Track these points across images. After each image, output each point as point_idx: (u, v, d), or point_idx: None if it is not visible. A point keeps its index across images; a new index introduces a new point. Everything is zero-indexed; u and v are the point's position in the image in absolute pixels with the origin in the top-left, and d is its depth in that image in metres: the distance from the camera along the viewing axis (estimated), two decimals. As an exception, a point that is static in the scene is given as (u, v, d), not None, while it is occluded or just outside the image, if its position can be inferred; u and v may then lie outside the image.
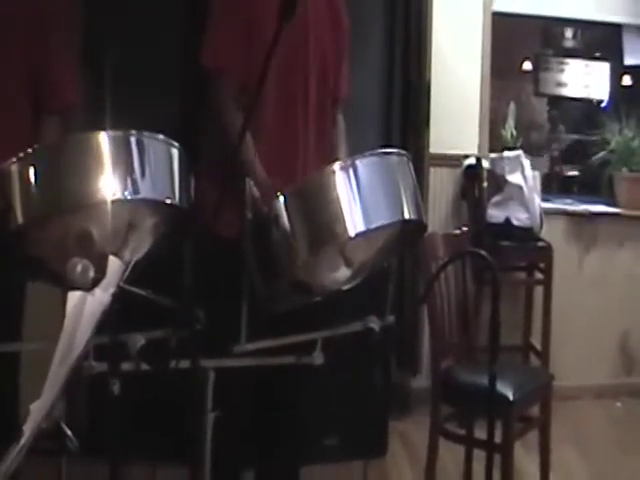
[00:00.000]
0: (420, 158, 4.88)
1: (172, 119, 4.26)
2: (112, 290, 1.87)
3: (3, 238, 1.91)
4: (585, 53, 6.52)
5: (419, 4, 4.96)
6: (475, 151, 5.42)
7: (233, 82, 3.04)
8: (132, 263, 2.01)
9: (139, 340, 2.05)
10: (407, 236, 2.47)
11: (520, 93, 6.55)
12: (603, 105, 6.53)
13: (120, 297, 1.91)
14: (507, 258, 5.18)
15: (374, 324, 2.45)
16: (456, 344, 4.03)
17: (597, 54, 6.54)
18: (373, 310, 2.49)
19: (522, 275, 5.67)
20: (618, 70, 6.44)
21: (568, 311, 5.53)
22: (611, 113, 6.27)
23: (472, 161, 5.29)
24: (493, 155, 5.44)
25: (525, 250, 5.37)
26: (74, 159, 1.94)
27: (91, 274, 1.84)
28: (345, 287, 2.46)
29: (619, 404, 5.61)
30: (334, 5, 3.27)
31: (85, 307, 1.82)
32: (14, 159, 1.91)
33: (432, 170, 5.22)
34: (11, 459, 1.67)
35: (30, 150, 1.93)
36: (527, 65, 6.63)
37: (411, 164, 2.41)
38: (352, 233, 2.19)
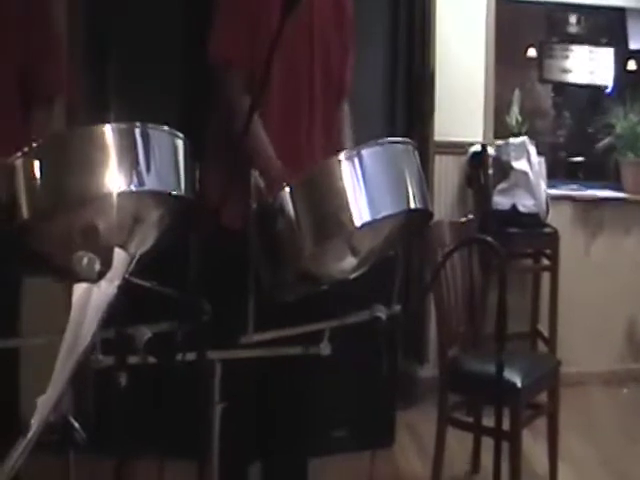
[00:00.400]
0: (425, 146, 4.88)
1: (175, 114, 4.26)
2: (117, 282, 1.87)
3: (8, 233, 1.90)
4: (589, 39, 6.49)
5: (423, -8, 4.96)
6: (480, 138, 5.42)
7: (241, 75, 3.04)
8: (138, 255, 2.01)
9: (145, 333, 2.04)
10: (413, 225, 2.46)
11: (525, 80, 6.53)
12: (608, 90, 6.51)
13: (126, 290, 1.91)
14: (513, 245, 5.19)
15: (381, 313, 2.44)
16: (463, 332, 4.03)
17: (601, 39, 6.52)
18: (380, 299, 2.49)
19: (529, 262, 5.67)
20: (623, 55, 6.42)
21: (575, 297, 5.53)
22: (616, 98, 6.26)
23: (477, 148, 5.29)
24: (498, 142, 5.44)
25: (531, 237, 5.37)
26: (79, 152, 1.93)
27: (97, 267, 1.84)
28: (351, 276, 2.45)
29: (626, 390, 5.61)
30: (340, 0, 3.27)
31: (91, 299, 1.82)
32: (19, 153, 1.90)
33: (437, 158, 5.22)
34: (18, 453, 1.67)
35: (35, 144, 1.92)
36: (531, 52, 6.60)
37: (416, 153, 2.40)
38: (358, 223, 2.18)
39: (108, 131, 1.96)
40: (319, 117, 3.20)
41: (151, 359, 2.06)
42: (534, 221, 5.29)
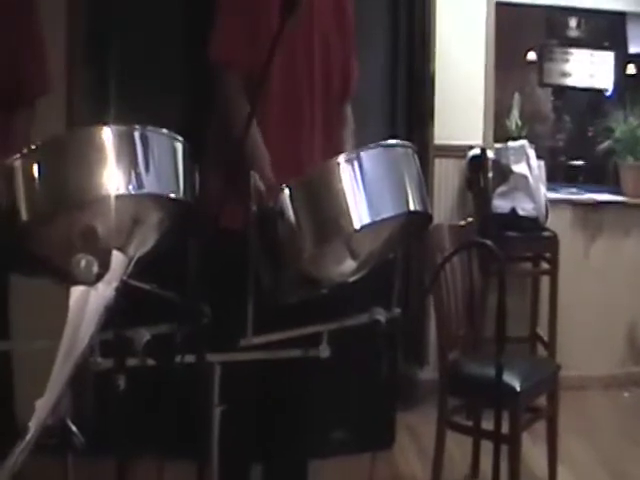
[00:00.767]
0: (425, 149, 4.87)
1: (175, 114, 4.26)
2: (115, 285, 1.87)
3: (7, 235, 1.90)
4: (589, 42, 6.49)
5: (423, -5, 4.96)
6: (480, 142, 5.41)
7: (241, 76, 3.04)
8: (136, 258, 2.01)
9: (144, 335, 2.04)
10: (413, 228, 2.46)
11: (524, 83, 6.52)
12: (608, 94, 6.50)
13: (125, 292, 1.91)
14: (513, 248, 5.18)
15: (380, 316, 2.44)
16: (463, 335, 4.03)
17: (601, 43, 6.51)
18: (379, 302, 2.49)
19: (528, 265, 5.67)
20: (623, 59, 6.41)
21: (575, 301, 5.52)
22: (616, 102, 6.26)
23: (477, 152, 5.28)
24: (498, 145, 5.44)
25: (531, 240, 5.37)
26: (78, 154, 1.93)
27: (95, 269, 1.83)
28: (351, 279, 2.45)
29: (626, 394, 5.60)
30: (340, 4, 3.27)
31: (88, 302, 1.82)
32: (18, 155, 1.90)
33: (437, 161, 5.22)
34: (16, 456, 1.67)
35: (34, 146, 1.92)
36: (531, 55, 6.60)
37: (416, 156, 2.40)
38: (358, 225, 2.19)
39: (107, 133, 1.96)
40: (319, 120, 3.20)
41: (150, 361, 2.06)
42: (533, 225, 5.29)
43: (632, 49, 6.29)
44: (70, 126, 4.32)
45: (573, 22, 6.55)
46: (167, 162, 2.05)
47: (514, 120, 5.80)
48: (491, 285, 4.46)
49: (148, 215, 2.05)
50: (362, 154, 2.25)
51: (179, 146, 2.09)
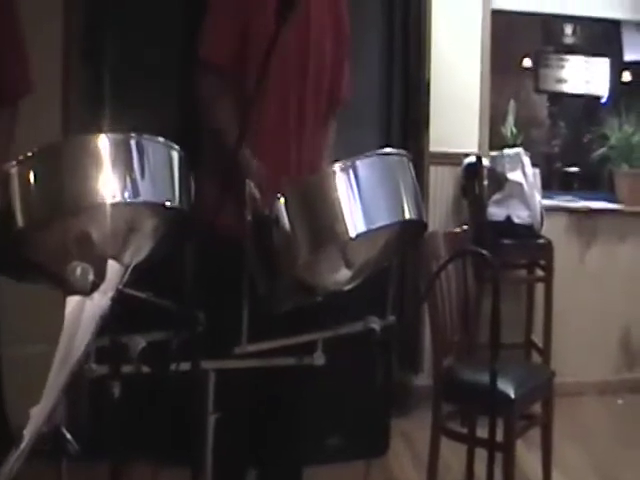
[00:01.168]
0: (420, 157, 4.88)
1: (172, 119, 4.26)
2: (111, 294, 1.87)
3: (3, 241, 1.91)
4: (585, 49, 6.51)
5: (418, 2, 4.96)
6: (475, 149, 5.42)
7: (227, 80, 3.04)
8: (132, 266, 2.01)
9: (140, 342, 2.04)
10: (408, 236, 2.46)
11: (520, 90, 6.54)
12: (603, 101, 6.52)
13: (120, 299, 1.91)
14: (508, 256, 5.20)
15: (375, 325, 2.44)
16: (457, 342, 4.03)
17: (597, 50, 6.53)
18: (374, 309, 2.49)
19: (523, 272, 5.68)
20: (618, 66, 6.43)
21: (569, 308, 5.53)
22: (611, 109, 6.28)
23: (472, 159, 5.28)
24: (493, 153, 5.45)
25: (526, 247, 5.38)
26: (74, 161, 1.93)
27: (90, 277, 1.83)
28: (346, 288, 2.45)
29: (621, 400, 5.61)
30: (336, 10, 3.27)
31: (84, 311, 1.82)
32: (14, 162, 1.90)
33: (432, 169, 5.23)
34: (11, 463, 1.67)
35: (30, 153, 1.92)
36: (527, 62, 6.62)
37: (411, 164, 2.40)
38: (353, 234, 2.19)
39: (103, 141, 1.96)
40: (309, 129, 3.19)
41: (145, 368, 2.06)
42: (528, 232, 5.30)
43: (627, 56, 6.30)
44: (66, 124, 4.33)
45: (569, 29, 6.56)
46: (163, 170, 2.05)
47: (509, 128, 5.82)
48: (486, 292, 4.46)
49: (144, 223, 2.05)
50: (357, 162, 2.25)
51: (175, 154, 2.09)
